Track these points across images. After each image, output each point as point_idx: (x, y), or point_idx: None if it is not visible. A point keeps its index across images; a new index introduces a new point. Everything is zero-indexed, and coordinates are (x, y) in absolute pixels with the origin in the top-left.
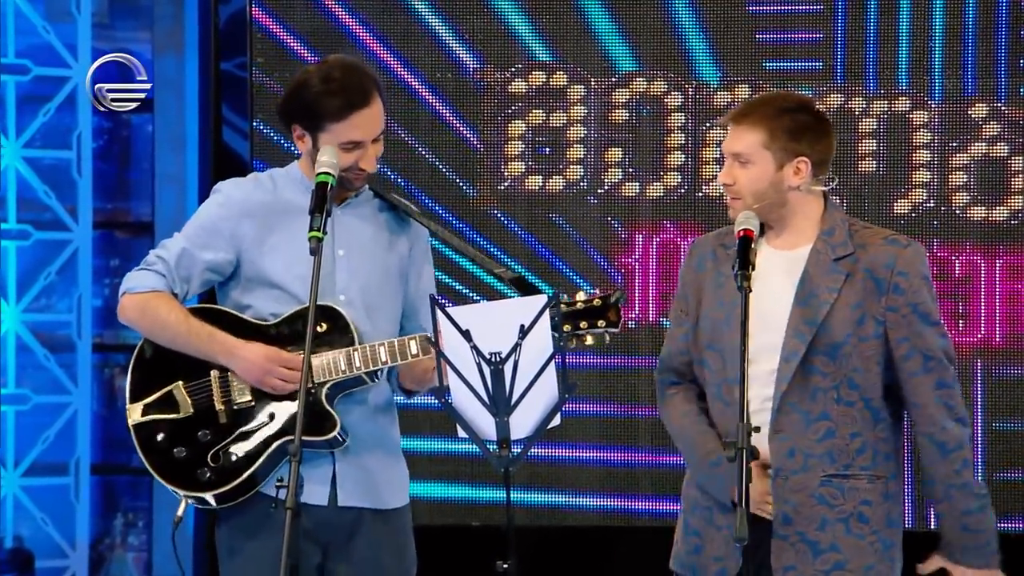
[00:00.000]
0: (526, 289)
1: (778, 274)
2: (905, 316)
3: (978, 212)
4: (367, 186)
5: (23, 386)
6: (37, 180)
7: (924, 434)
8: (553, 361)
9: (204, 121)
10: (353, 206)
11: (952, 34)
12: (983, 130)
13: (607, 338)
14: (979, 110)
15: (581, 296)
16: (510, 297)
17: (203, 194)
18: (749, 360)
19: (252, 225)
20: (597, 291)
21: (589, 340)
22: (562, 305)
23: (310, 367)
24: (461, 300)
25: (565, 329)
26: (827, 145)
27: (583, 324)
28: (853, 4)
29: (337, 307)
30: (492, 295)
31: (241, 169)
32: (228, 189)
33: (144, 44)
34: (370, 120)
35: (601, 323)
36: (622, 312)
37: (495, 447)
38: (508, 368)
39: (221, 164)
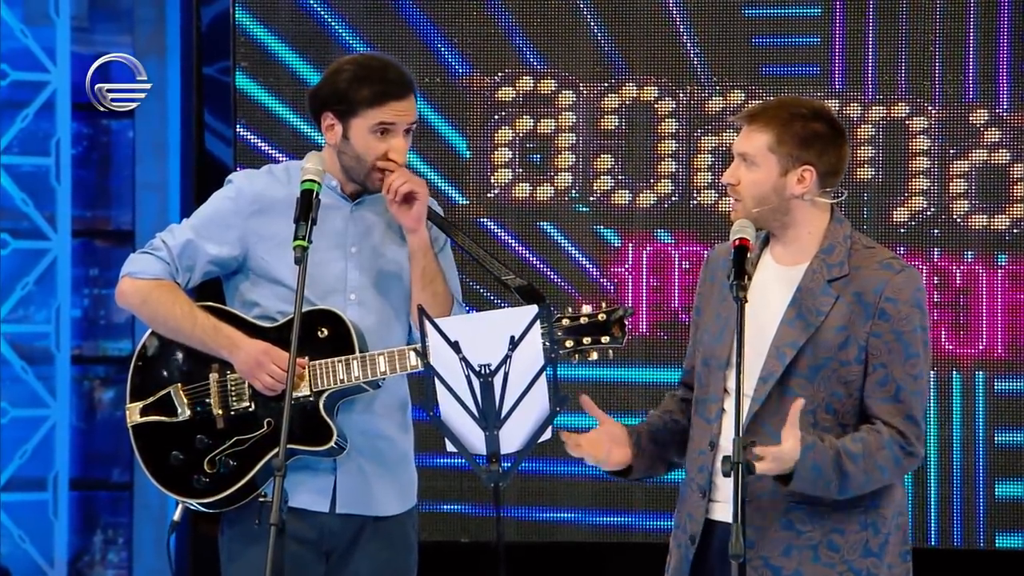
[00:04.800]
0: (532, 299)
1: (776, 290)
2: (888, 343)
3: (979, 220)
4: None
5: None
6: (15, 187)
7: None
8: (544, 373)
9: (186, 127)
10: (368, 202)
11: (953, 38)
12: (984, 136)
13: (611, 354)
14: (979, 116)
15: (585, 310)
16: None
17: (185, 201)
18: (731, 376)
19: (262, 221)
20: (603, 304)
21: (593, 356)
22: (565, 320)
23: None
24: (485, 304)
25: (567, 345)
26: (837, 157)
27: (586, 340)
28: (852, 8)
29: (339, 313)
30: (518, 302)
31: (224, 176)
32: (240, 182)
33: (125, 48)
34: (405, 109)
35: (605, 339)
36: (627, 328)
37: (484, 461)
38: (498, 380)
39: (203, 171)
